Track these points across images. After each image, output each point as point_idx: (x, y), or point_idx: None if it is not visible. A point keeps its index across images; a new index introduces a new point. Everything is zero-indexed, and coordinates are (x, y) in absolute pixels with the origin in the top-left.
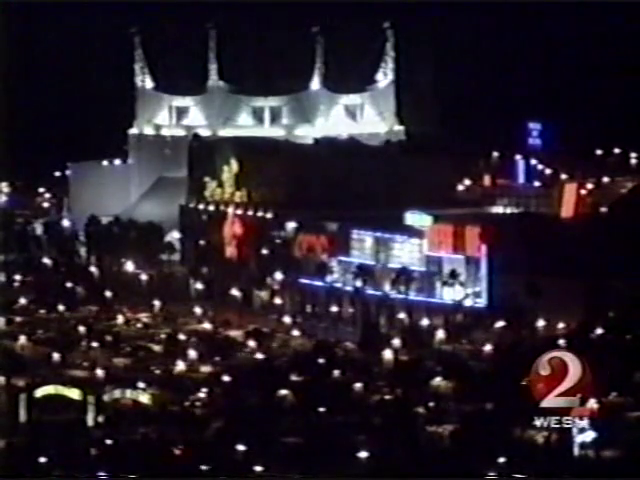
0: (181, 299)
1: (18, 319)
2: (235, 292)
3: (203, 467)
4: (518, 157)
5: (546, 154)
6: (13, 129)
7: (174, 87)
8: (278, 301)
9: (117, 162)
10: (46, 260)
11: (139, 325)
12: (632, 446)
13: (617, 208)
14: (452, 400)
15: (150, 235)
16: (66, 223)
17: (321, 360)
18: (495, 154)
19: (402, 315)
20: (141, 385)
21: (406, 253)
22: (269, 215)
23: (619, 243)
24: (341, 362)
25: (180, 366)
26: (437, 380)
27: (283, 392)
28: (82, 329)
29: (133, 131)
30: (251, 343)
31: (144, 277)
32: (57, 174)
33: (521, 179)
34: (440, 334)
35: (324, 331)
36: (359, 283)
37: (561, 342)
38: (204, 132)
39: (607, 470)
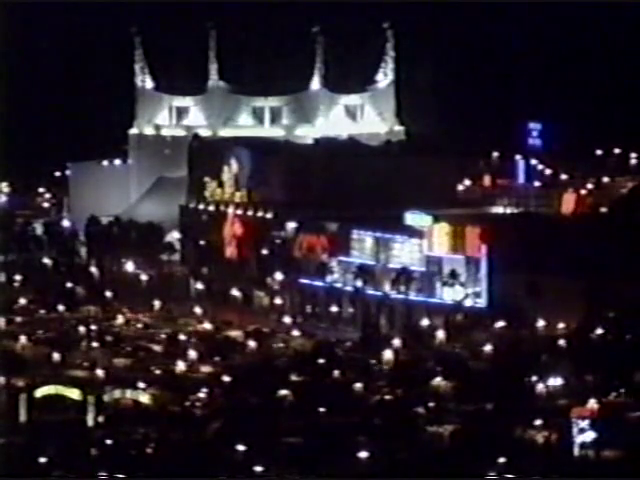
0: (181, 299)
1: (18, 319)
2: (235, 292)
3: (203, 467)
4: (518, 157)
5: (546, 154)
6: (13, 129)
7: (174, 87)
8: (278, 301)
9: (117, 162)
10: (46, 260)
11: (139, 325)
12: (632, 446)
13: (617, 208)
14: (452, 400)
15: (150, 235)
16: (66, 223)
17: (321, 360)
18: (495, 154)
19: (402, 315)
20: (141, 385)
21: (406, 253)
22: (269, 215)
23: (619, 243)
24: (341, 362)
25: (180, 366)
26: (437, 380)
27: (283, 392)
28: (82, 329)
29: (133, 131)
30: (251, 343)
31: (144, 277)
32: (57, 174)
33: (521, 179)
34: (440, 334)
35: (324, 331)
36: (359, 283)
37: (561, 342)
38: (204, 132)
39: (607, 470)
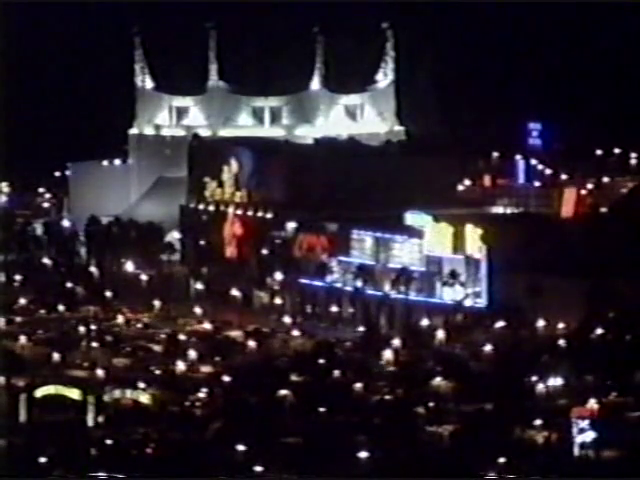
0: (181, 299)
1: (18, 319)
2: (235, 292)
3: (203, 467)
4: (518, 157)
5: (546, 154)
6: (13, 129)
7: (174, 87)
8: (278, 301)
9: (117, 162)
10: (46, 260)
11: (139, 325)
12: (632, 446)
13: (617, 208)
14: (452, 400)
15: (150, 235)
16: (66, 223)
17: (321, 360)
18: (495, 154)
19: (402, 315)
20: (141, 385)
21: (406, 253)
22: (269, 215)
23: (619, 243)
24: (341, 362)
25: (180, 366)
26: (437, 380)
27: (283, 392)
28: (82, 329)
29: (133, 131)
30: (251, 343)
31: (144, 277)
32: (57, 174)
33: (521, 179)
34: (440, 334)
35: (324, 331)
36: (359, 283)
37: (561, 342)
38: (204, 132)
39: (607, 470)
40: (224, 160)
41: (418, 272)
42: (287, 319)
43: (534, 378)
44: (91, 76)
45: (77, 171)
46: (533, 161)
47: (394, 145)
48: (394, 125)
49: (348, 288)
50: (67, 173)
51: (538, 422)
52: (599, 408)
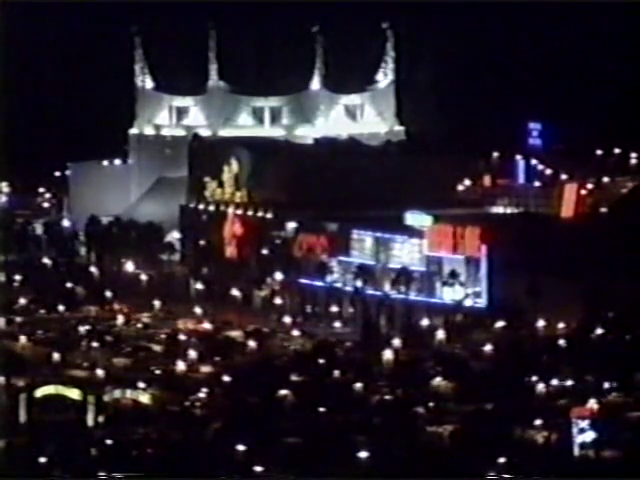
0: (181, 299)
1: (18, 319)
2: (235, 292)
3: (203, 467)
4: (518, 157)
5: (546, 154)
6: (13, 129)
7: (174, 87)
8: (278, 301)
9: (117, 162)
10: (46, 260)
11: (139, 325)
12: (632, 446)
13: (617, 208)
14: (452, 400)
15: (150, 235)
16: (66, 223)
17: (321, 360)
18: (495, 154)
19: (402, 315)
20: (141, 385)
21: (406, 253)
22: (269, 215)
23: (619, 243)
24: (341, 362)
25: (180, 366)
26: (437, 380)
27: (283, 392)
28: (82, 329)
29: (133, 131)
30: (251, 343)
31: (144, 277)
32: (57, 174)
33: (521, 179)
34: (440, 334)
35: (324, 331)
36: (359, 283)
37: (561, 342)
38: (204, 132)
39: (607, 470)
40: (224, 160)
41: (418, 272)
42: (287, 319)
43: (534, 378)
44: (91, 76)
45: (77, 171)
46: (533, 161)
47: (394, 145)
48: (394, 125)
49: (348, 288)
50: (67, 173)
51: (538, 422)
52: (599, 408)
